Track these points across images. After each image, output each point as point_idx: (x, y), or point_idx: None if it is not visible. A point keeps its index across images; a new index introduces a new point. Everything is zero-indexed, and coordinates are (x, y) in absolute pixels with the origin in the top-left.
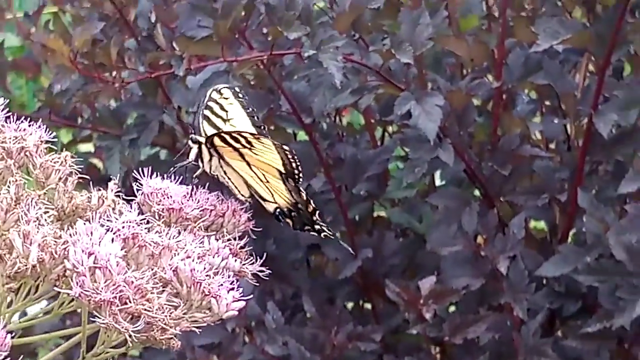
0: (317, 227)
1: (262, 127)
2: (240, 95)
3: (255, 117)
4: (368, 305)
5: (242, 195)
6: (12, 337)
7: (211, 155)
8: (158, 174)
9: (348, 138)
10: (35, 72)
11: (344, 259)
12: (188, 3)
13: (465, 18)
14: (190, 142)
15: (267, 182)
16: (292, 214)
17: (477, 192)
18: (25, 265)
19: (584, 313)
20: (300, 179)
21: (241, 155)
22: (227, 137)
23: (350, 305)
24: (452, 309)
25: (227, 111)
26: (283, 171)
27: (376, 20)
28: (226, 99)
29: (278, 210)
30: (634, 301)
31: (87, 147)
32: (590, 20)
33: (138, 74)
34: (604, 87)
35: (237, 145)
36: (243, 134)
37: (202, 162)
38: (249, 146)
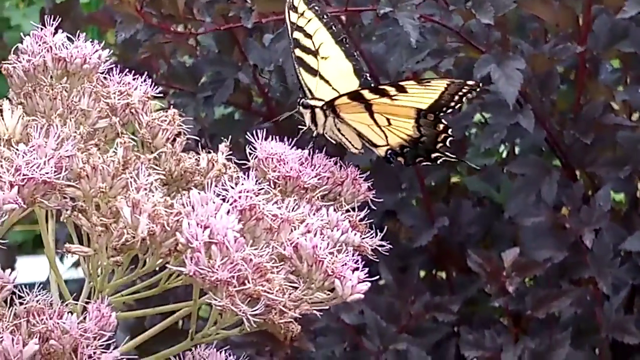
0: (433, 155)
1: (344, 39)
2: (314, 6)
3: (333, 27)
4: (440, 274)
5: (355, 148)
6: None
7: (326, 117)
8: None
9: None
10: (109, 26)
11: (420, 227)
12: None
13: None
14: (301, 108)
15: (389, 125)
16: (405, 150)
17: (557, 162)
18: (134, 237)
19: None
20: (455, 108)
21: (368, 106)
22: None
23: (422, 274)
24: (530, 282)
25: (311, 36)
26: (426, 107)
27: None
28: (303, 15)
29: (390, 151)
30: None
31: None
32: None
33: (206, 26)
34: None
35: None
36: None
37: (316, 125)
38: (402, 93)
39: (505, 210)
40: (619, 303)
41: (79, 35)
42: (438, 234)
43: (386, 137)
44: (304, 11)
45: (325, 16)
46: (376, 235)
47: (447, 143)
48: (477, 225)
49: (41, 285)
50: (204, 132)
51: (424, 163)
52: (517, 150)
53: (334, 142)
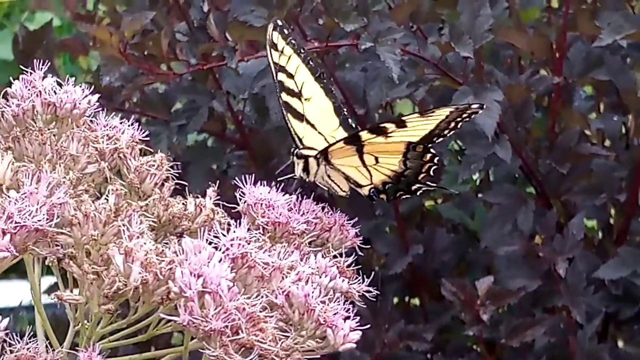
0: (414, 187)
1: (321, 74)
2: (291, 40)
3: (310, 61)
4: (414, 302)
5: (343, 191)
6: None
7: (318, 165)
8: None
9: None
10: (82, 52)
11: (394, 254)
12: None
13: (526, 10)
14: (295, 158)
15: (376, 163)
16: (387, 186)
17: (531, 190)
18: (126, 285)
19: None
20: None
21: (360, 147)
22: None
23: (395, 301)
24: (504, 310)
25: (293, 76)
26: (418, 139)
27: (434, 9)
28: (283, 52)
29: (372, 190)
30: None
31: None
32: None
33: (189, 66)
34: None
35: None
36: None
37: (308, 173)
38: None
39: (481, 239)
40: (592, 331)
41: (68, 79)
42: (412, 261)
43: (371, 176)
44: (283, 48)
45: (302, 50)
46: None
47: (431, 172)
48: (452, 252)
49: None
50: (176, 160)
51: (405, 196)
52: (491, 176)
53: (323, 188)
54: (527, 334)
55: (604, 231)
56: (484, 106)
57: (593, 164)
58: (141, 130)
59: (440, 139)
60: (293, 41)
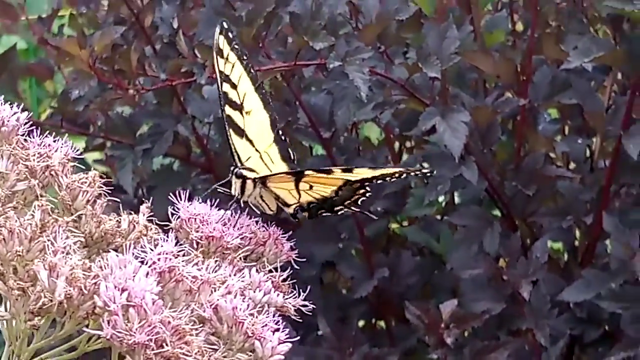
0: (337, 208)
1: (261, 85)
2: (235, 45)
3: (251, 69)
4: (380, 324)
5: (271, 210)
6: None
7: (254, 187)
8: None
9: (366, 153)
10: (47, 77)
11: (359, 278)
12: (209, 9)
13: (491, 33)
14: (234, 177)
15: (310, 189)
16: (311, 205)
17: (497, 213)
18: (51, 301)
19: (605, 340)
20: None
21: (300, 178)
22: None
23: (361, 324)
24: (469, 332)
25: (236, 86)
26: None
27: (400, 32)
28: (228, 60)
29: (297, 208)
30: None
31: (98, 155)
32: (617, 38)
33: (158, 82)
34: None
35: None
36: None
37: (243, 193)
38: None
39: (447, 262)
40: (557, 354)
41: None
42: (378, 284)
43: (299, 197)
44: (228, 54)
45: (245, 56)
46: (314, 286)
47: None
48: (417, 275)
49: None
50: (141, 184)
51: (325, 214)
52: (456, 199)
53: (253, 206)
54: (491, 357)
55: (569, 253)
56: (434, 172)
57: (559, 186)
58: (74, 149)
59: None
60: (237, 46)
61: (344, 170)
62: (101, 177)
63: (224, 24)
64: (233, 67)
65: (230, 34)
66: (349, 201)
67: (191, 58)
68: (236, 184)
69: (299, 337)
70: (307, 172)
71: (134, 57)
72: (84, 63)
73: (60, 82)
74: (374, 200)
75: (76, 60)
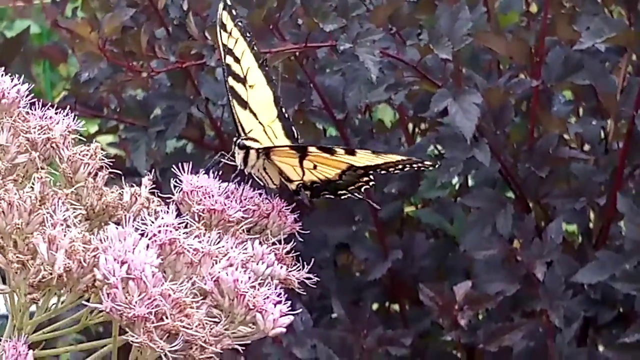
0: (340, 192)
1: (264, 62)
2: (238, 22)
3: (254, 46)
4: (394, 307)
5: (274, 184)
6: (34, 349)
7: (258, 159)
8: (186, 168)
9: (379, 135)
10: (61, 60)
11: (373, 260)
12: None
13: (505, 14)
14: (237, 148)
15: (314, 169)
16: (314, 185)
17: (510, 194)
18: (51, 274)
19: (619, 322)
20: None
21: (304, 155)
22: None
23: (375, 306)
24: (483, 315)
25: (239, 60)
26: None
27: (412, 14)
28: (231, 35)
29: (300, 185)
30: None
31: (112, 138)
32: (631, 19)
33: (168, 64)
34: None
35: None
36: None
37: (246, 164)
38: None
39: (461, 243)
40: (571, 336)
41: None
42: (392, 267)
43: (303, 175)
44: (231, 29)
45: (248, 33)
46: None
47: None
48: (431, 258)
49: None
50: (155, 166)
51: (328, 196)
52: (470, 182)
53: (255, 179)
54: (505, 339)
55: (584, 235)
56: (437, 165)
57: (572, 168)
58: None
59: (382, 172)
60: (240, 23)
61: (347, 152)
62: (102, 149)
63: (227, 0)
64: (236, 42)
65: (233, 11)
66: (352, 187)
67: (201, 40)
68: (239, 154)
69: (313, 319)
70: (310, 149)
71: (144, 38)
72: (93, 45)
73: (75, 66)
74: (388, 182)
75: (86, 42)
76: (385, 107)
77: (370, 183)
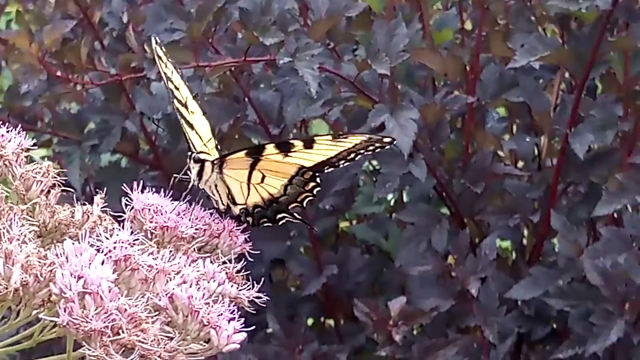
0: (279, 216)
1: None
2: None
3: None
4: (329, 322)
5: (222, 205)
6: None
7: (212, 172)
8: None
9: None
10: None
11: (308, 275)
12: (158, 4)
13: (440, 31)
14: (192, 162)
15: (261, 182)
16: (256, 210)
17: (445, 210)
18: (7, 288)
19: (553, 338)
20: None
21: (255, 163)
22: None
23: (310, 322)
24: (418, 330)
25: (179, 89)
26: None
27: (349, 30)
28: (167, 66)
29: (242, 210)
30: (608, 327)
31: (45, 152)
32: (564, 37)
33: (108, 76)
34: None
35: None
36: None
37: (200, 179)
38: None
39: (396, 259)
40: (505, 351)
41: None
42: (327, 282)
43: (248, 195)
44: (166, 62)
45: (179, 70)
46: (264, 283)
47: (304, 203)
48: (366, 273)
49: None
50: (89, 180)
51: (267, 224)
52: (405, 197)
53: (209, 194)
54: (439, 354)
55: (517, 251)
56: (394, 141)
57: (506, 185)
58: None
59: (331, 169)
60: (170, 60)
61: (305, 144)
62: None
63: (157, 38)
64: (172, 73)
65: (163, 49)
66: (294, 204)
67: (140, 53)
68: (194, 168)
69: (247, 335)
70: (267, 146)
71: (83, 51)
72: (33, 57)
73: (8, 78)
74: (323, 197)
75: (26, 54)
76: (320, 122)
77: (315, 190)
